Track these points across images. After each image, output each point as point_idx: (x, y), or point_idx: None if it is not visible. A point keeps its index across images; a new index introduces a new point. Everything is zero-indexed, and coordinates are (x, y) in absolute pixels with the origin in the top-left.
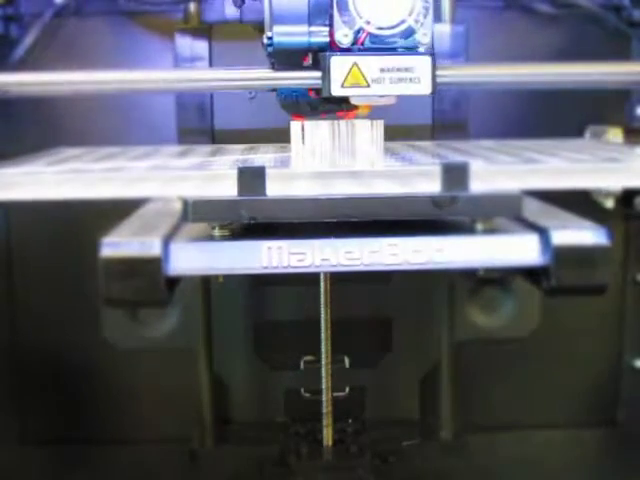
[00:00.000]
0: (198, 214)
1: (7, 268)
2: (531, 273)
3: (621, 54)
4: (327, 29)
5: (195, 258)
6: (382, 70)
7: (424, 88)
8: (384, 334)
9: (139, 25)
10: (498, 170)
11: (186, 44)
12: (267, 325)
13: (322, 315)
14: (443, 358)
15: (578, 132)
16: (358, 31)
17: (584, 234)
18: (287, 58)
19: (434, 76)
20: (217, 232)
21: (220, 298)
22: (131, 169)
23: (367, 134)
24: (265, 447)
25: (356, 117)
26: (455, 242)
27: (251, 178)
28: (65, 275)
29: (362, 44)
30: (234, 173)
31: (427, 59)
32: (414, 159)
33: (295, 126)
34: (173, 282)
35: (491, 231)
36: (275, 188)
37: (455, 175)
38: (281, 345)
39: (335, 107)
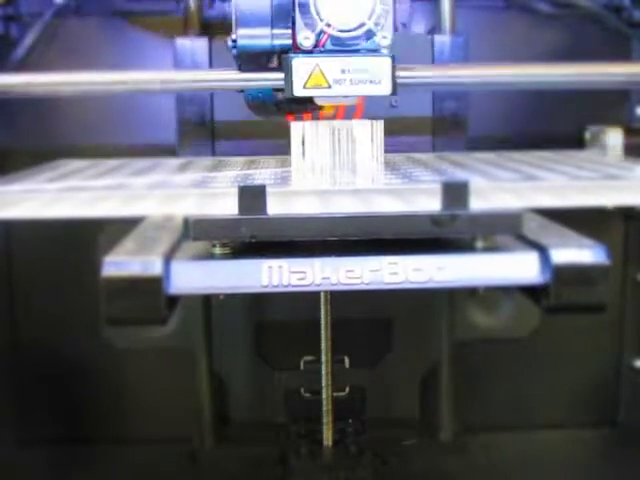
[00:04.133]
0: (199, 232)
1: (7, 268)
2: (530, 290)
3: (621, 54)
4: (290, 32)
5: (196, 277)
6: (343, 71)
7: (384, 89)
8: (384, 334)
9: (139, 25)
10: (498, 187)
11: (186, 50)
12: (267, 325)
13: (322, 315)
14: (443, 358)
15: (578, 132)
16: (319, 33)
17: (584, 253)
18: (251, 60)
19: (394, 77)
20: (217, 250)
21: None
22: (131, 186)
23: (367, 144)
24: (265, 447)
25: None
26: (455, 260)
27: (252, 196)
28: (65, 275)
29: (323, 46)
30: (234, 191)
31: (387, 60)
32: (414, 175)
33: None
34: (173, 300)
35: (491, 249)
36: (276, 206)
37: (455, 193)
38: (281, 345)
39: (301, 107)
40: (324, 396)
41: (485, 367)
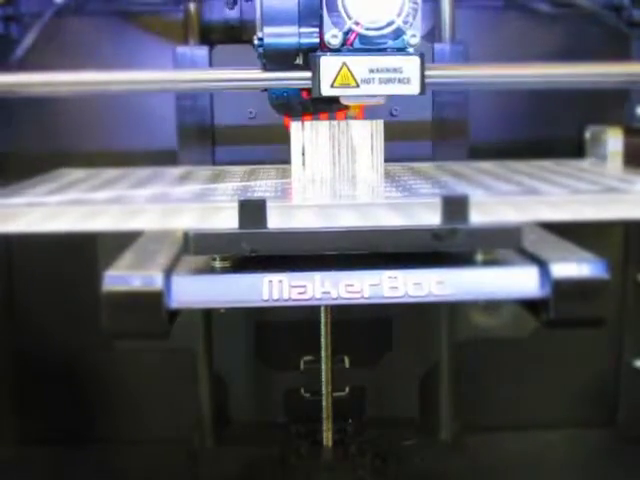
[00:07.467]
0: (199, 247)
1: (7, 269)
2: (530, 304)
3: (621, 54)
4: (317, 30)
5: (196, 291)
6: (371, 70)
7: (413, 88)
8: (384, 334)
9: (139, 25)
10: (499, 201)
11: (186, 58)
12: (267, 325)
13: (322, 315)
14: (443, 358)
15: (578, 132)
16: (347, 32)
17: (584, 267)
18: (277, 59)
19: (423, 76)
20: (218, 264)
21: None
22: (131, 198)
23: (367, 152)
24: (265, 447)
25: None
26: (455, 275)
27: (252, 211)
28: (65, 276)
29: (351, 45)
30: (234, 205)
31: (416, 59)
32: (414, 187)
33: (295, 127)
34: (174, 314)
35: (491, 263)
36: (276, 220)
37: (455, 207)
38: (281, 345)
39: (326, 107)
40: (324, 396)
41: (485, 367)
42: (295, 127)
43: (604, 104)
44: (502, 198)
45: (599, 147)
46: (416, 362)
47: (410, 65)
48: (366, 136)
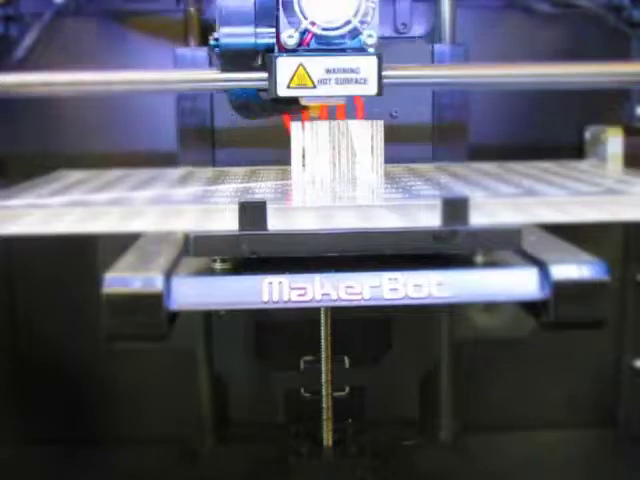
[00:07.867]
0: (200, 249)
1: (8, 270)
2: (530, 306)
3: (621, 54)
4: (274, 30)
5: (196, 293)
6: (328, 71)
7: (370, 89)
8: (384, 334)
9: (139, 26)
10: (499, 203)
11: (186, 59)
12: (267, 325)
13: (322, 315)
14: (443, 358)
15: (578, 132)
16: (303, 32)
17: (584, 269)
18: (234, 59)
19: (380, 76)
20: (218, 265)
21: None
22: (131, 200)
23: (368, 154)
24: (265, 447)
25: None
26: (455, 276)
27: (252, 213)
28: (65, 277)
29: (308, 45)
30: (235, 207)
31: (373, 59)
32: (414, 189)
33: (295, 128)
34: (174, 316)
35: (491, 265)
36: (276, 222)
37: (455, 209)
38: (281, 345)
39: (286, 108)
40: (324, 396)
41: (485, 367)
42: (295, 128)
43: (604, 104)
44: (502, 199)
45: (599, 147)
46: (416, 362)
47: (367, 65)
48: (366, 137)
